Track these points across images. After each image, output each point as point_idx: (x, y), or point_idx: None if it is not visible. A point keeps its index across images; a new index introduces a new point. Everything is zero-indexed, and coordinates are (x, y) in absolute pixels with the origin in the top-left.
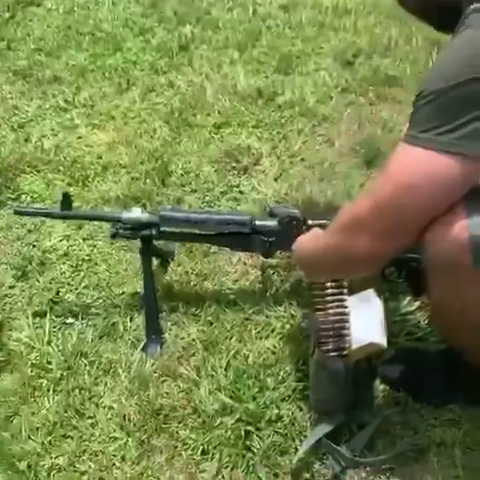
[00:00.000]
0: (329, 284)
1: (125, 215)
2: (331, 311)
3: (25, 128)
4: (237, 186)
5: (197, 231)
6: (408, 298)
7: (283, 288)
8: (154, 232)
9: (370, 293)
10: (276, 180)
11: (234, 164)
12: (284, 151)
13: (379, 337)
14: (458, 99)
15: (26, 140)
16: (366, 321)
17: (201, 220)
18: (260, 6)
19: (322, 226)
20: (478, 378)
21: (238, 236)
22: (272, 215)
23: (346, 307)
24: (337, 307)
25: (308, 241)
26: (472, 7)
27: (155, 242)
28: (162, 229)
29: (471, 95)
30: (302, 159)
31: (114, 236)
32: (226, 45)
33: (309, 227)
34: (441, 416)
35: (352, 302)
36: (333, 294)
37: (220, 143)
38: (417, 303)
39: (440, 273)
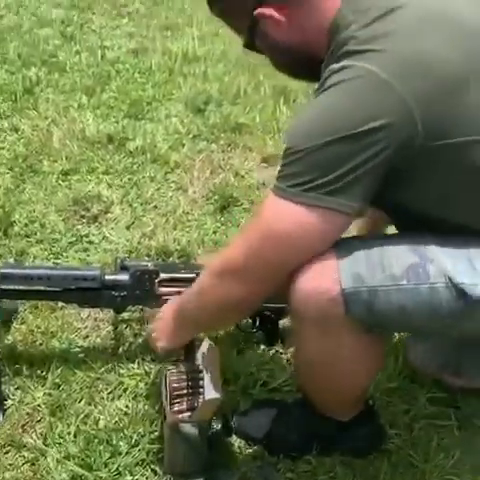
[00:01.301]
0: None
1: None
2: (183, 369)
3: None
4: (86, 236)
5: (42, 288)
6: (262, 347)
7: (136, 343)
8: None
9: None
10: (128, 228)
11: (83, 212)
12: (136, 198)
13: (212, 392)
14: (329, 156)
15: None
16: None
17: (45, 276)
18: (109, 50)
19: (175, 279)
20: (331, 430)
21: (87, 292)
22: (123, 268)
23: (198, 362)
24: (189, 363)
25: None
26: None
27: None
28: (3, 287)
29: (341, 152)
30: (155, 206)
31: None
32: (74, 89)
33: (162, 281)
34: (297, 468)
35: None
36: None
37: (68, 190)
38: (271, 352)
39: (306, 323)
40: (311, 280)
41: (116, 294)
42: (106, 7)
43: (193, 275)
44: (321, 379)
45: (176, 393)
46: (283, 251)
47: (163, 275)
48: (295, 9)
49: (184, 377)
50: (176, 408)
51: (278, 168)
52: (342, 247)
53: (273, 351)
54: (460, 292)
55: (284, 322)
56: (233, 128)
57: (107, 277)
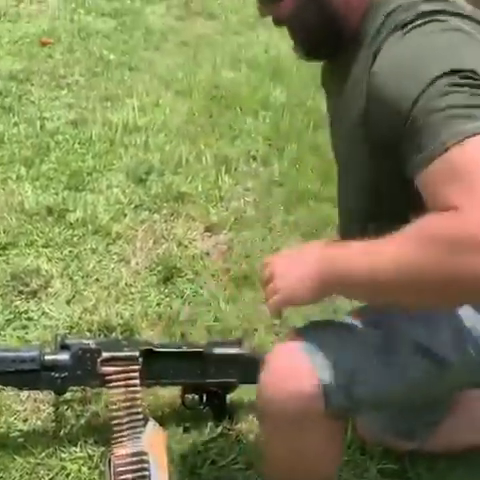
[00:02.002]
0: (126, 418)
1: None
2: (129, 451)
3: None
4: (25, 312)
5: None
6: (210, 424)
7: (78, 425)
8: None
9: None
10: (68, 303)
11: (21, 288)
12: (77, 271)
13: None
14: None
15: None
16: None
17: None
18: (48, 121)
19: (118, 358)
20: None
21: (25, 374)
22: (64, 347)
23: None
24: (134, 445)
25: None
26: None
27: None
28: None
29: None
30: (96, 279)
31: None
32: (12, 160)
33: (105, 360)
34: None
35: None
36: (130, 428)
37: (6, 265)
38: (219, 429)
39: (280, 422)
40: (284, 379)
41: (56, 375)
42: (45, 78)
43: (136, 352)
44: (292, 472)
45: (122, 477)
46: None
47: (105, 354)
48: None
49: (129, 460)
50: None
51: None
52: (311, 338)
53: (221, 428)
54: (438, 359)
55: (231, 396)
56: (175, 197)
57: (47, 357)
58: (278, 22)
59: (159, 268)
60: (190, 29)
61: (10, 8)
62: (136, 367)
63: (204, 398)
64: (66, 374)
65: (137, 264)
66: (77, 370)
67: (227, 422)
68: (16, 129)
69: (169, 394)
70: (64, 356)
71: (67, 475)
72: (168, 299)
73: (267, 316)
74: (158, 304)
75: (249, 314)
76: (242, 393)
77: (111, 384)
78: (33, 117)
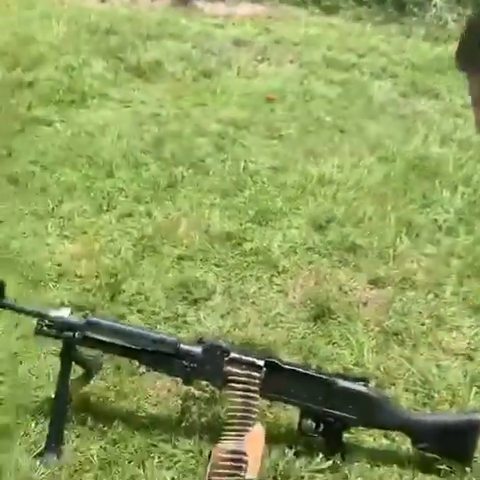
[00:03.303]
0: (238, 420)
1: (52, 313)
2: (230, 448)
3: None
4: (183, 316)
5: (122, 343)
6: (321, 455)
7: (199, 421)
8: (77, 336)
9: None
10: (222, 317)
11: (186, 295)
12: (238, 292)
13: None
14: None
15: None
16: None
17: (126, 332)
18: (252, 163)
19: (243, 362)
20: None
21: (161, 356)
22: (200, 342)
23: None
24: (237, 445)
25: None
26: None
27: (84, 352)
28: (87, 334)
29: None
30: (253, 302)
31: (38, 332)
32: (211, 190)
33: (231, 360)
34: None
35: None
36: (239, 429)
37: (178, 273)
38: (329, 463)
39: None
40: None
41: (187, 364)
42: (261, 129)
43: (262, 362)
44: None
45: (218, 471)
46: None
47: (233, 354)
48: None
49: (228, 457)
50: None
51: None
52: None
53: (331, 462)
54: None
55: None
56: (348, 248)
57: (182, 346)
58: None
59: (313, 305)
60: (412, 105)
61: (250, 66)
62: (258, 375)
63: (321, 427)
64: (195, 365)
65: (294, 298)
66: (206, 364)
67: (338, 458)
68: (222, 165)
69: (287, 416)
70: (197, 349)
71: (175, 462)
72: (313, 335)
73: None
74: (303, 337)
75: (391, 368)
76: (360, 434)
77: (231, 385)
78: (240, 158)
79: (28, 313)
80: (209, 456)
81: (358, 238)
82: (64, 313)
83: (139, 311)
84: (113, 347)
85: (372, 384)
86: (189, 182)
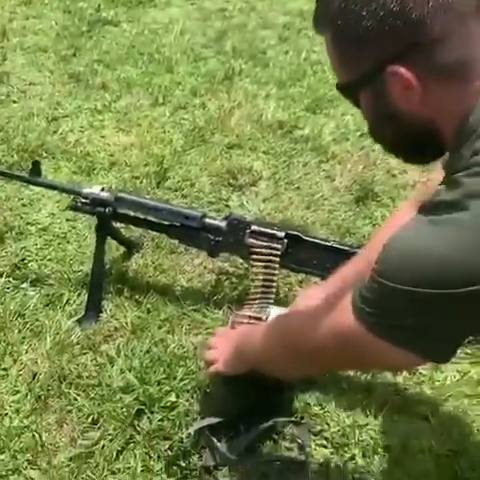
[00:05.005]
0: (260, 289)
1: (85, 190)
2: (249, 314)
3: (58, 121)
4: (226, 200)
5: (151, 218)
6: None
7: (230, 294)
8: (109, 211)
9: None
10: (264, 201)
11: (232, 181)
12: (283, 178)
13: None
14: None
15: (55, 132)
16: None
17: (154, 207)
18: (314, 53)
19: (265, 234)
20: None
21: (188, 230)
22: (225, 218)
23: (264, 313)
24: (258, 309)
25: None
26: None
27: (124, 231)
28: (118, 210)
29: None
30: (298, 187)
31: (73, 208)
32: (268, 81)
33: (253, 232)
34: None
35: (273, 312)
36: (261, 298)
37: (226, 161)
38: None
39: None
40: None
41: (212, 237)
42: None
43: (282, 233)
44: None
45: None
46: None
47: (254, 227)
48: (441, 82)
49: (246, 321)
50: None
51: None
52: None
53: None
54: None
55: None
56: None
57: (207, 220)
58: None
59: (358, 188)
60: None
61: None
62: (279, 246)
63: None
64: (220, 239)
65: (340, 183)
66: (229, 237)
67: None
68: (283, 56)
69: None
70: (222, 223)
71: (206, 328)
72: (354, 217)
73: None
74: (343, 219)
75: None
76: None
77: (254, 256)
78: (302, 48)
79: (62, 190)
80: (228, 320)
81: None
82: (95, 190)
83: (183, 196)
84: (144, 223)
85: None
86: (247, 74)
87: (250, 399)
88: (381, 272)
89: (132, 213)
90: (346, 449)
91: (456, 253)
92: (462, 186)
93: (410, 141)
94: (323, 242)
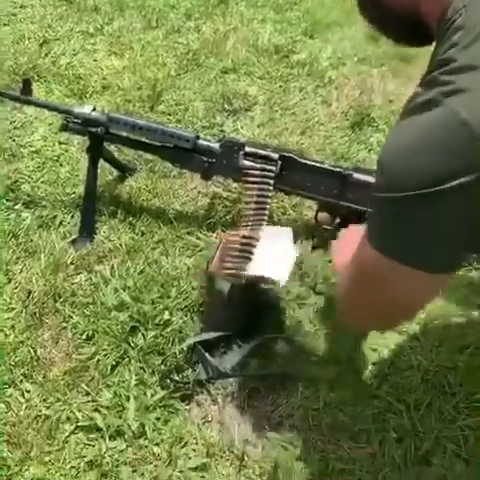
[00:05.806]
0: (253, 211)
1: (76, 110)
2: (242, 233)
3: (50, 44)
4: (220, 125)
5: (143, 139)
6: None
7: (224, 219)
8: (101, 131)
9: (287, 231)
10: (259, 126)
11: (226, 106)
12: (279, 103)
13: (276, 274)
14: None
15: (46, 55)
16: (271, 254)
17: (147, 127)
18: None
19: (258, 155)
20: None
21: (180, 151)
22: (219, 140)
23: (258, 233)
24: (251, 229)
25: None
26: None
27: (117, 156)
28: (110, 130)
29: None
30: (293, 113)
31: (64, 129)
32: (265, 5)
33: (246, 154)
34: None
35: (267, 232)
36: (254, 220)
37: (221, 86)
38: None
39: None
40: None
41: (205, 159)
42: None
43: (276, 155)
44: None
45: (227, 252)
46: None
47: (248, 149)
48: None
49: (238, 240)
50: (225, 264)
51: None
52: None
53: None
54: None
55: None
56: (403, 57)
57: (200, 141)
58: None
59: (353, 112)
60: None
61: None
62: (273, 168)
63: (337, 219)
64: (213, 161)
65: (337, 108)
66: (223, 159)
67: None
68: None
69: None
70: (215, 145)
71: (199, 250)
72: (350, 142)
73: None
74: (339, 144)
75: None
76: None
77: (248, 178)
78: None
79: (53, 109)
80: (220, 242)
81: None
82: (87, 109)
83: (177, 121)
84: (136, 144)
85: None
86: None
87: (245, 317)
88: (375, 189)
89: (124, 134)
90: (335, 365)
91: (435, 148)
92: (437, 85)
93: (395, 24)
94: (317, 164)
